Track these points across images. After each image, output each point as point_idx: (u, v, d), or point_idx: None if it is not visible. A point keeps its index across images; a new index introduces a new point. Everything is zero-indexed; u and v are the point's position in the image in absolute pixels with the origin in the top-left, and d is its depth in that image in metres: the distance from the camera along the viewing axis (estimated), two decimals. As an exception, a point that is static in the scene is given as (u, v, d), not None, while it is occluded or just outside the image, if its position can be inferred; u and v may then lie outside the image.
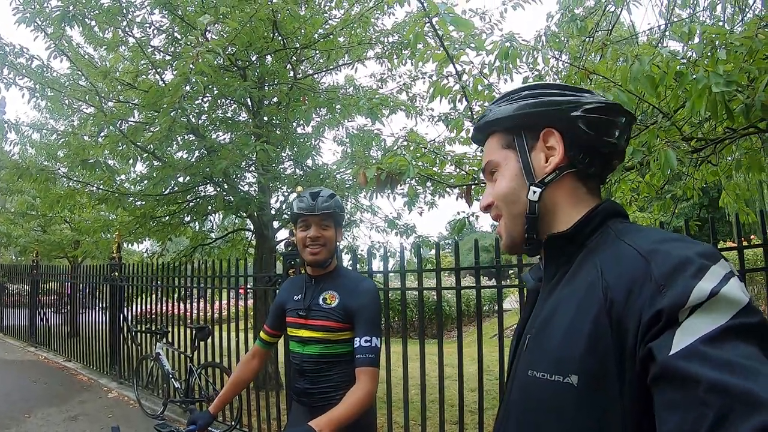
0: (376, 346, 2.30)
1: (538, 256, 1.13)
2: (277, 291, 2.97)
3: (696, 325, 0.71)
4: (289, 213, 2.65)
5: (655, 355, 0.72)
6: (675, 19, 4.49)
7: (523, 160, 1.05)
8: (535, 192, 1.02)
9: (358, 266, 4.88)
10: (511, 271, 4.08)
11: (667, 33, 4.19)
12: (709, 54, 2.23)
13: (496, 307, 4.18)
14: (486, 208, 1.13)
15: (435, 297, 4.37)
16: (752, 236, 11.06)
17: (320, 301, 2.46)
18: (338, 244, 2.61)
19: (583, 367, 0.83)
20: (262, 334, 2.72)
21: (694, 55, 2.32)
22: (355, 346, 2.30)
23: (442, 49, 2.78)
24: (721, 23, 4.55)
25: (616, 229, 0.95)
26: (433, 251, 5.94)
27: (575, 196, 1.04)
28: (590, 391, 0.82)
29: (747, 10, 4.44)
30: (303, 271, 2.71)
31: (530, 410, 0.94)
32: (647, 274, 0.78)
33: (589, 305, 0.85)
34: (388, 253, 4.81)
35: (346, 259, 7.93)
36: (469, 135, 3.45)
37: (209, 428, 2.56)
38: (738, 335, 0.69)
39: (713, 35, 2.28)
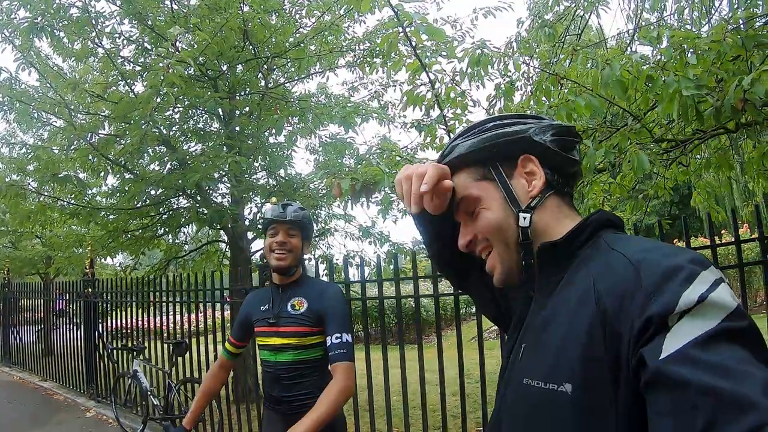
0: (348, 342, 2.38)
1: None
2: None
3: (685, 330, 0.71)
4: (262, 223, 2.76)
5: (646, 360, 0.72)
6: (643, 23, 4.55)
7: (505, 189, 1.05)
8: (525, 218, 1.02)
9: (334, 276, 4.85)
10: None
11: (635, 37, 4.25)
12: (677, 57, 2.26)
13: (474, 309, 4.19)
14: (468, 245, 1.11)
15: (413, 303, 4.34)
16: (723, 230, 11.27)
17: (289, 308, 2.54)
18: (305, 256, 2.72)
19: (577, 375, 0.83)
20: (227, 345, 2.80)
21: (662, 59, 2.35)
22: (328, 344, 2.38)
23: (414, 57, 2.78)
24: (688, 26, 4.63)
25: (608, 239, 0.96)
26: (408, 258, 5.91)
27: (561, 214, 1.05)
28: (584, 399, 0.82)
29: (714, 12, 4.52)
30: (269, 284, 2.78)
31: (524, 417, 0.95)
32: (638, 283, 0.79)
33: (582, 315, 0.86)
34: (364, 262, 4.79)
35: (321, 269, 7.90)
36: (443, 141, 3.47)
37: None
38: (728, 339, 0.70)
39: (682, 39, 2.32)
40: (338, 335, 2.37)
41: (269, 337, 2.56)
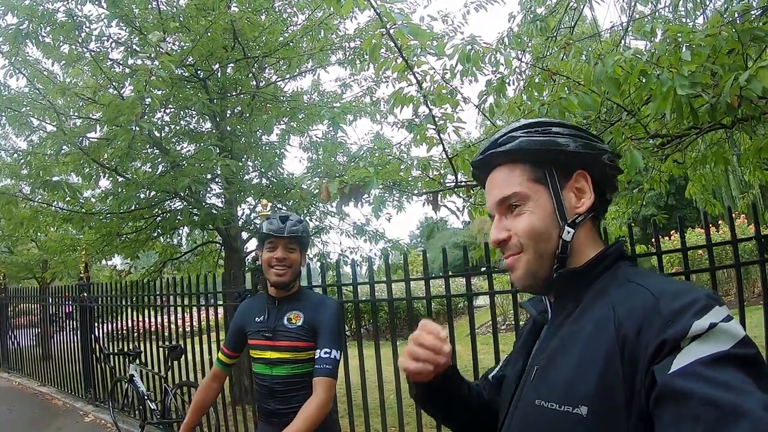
0: (335, 359, 2.40)
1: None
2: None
3: (695, 350, 0.75)
4: (258, 230, 2.74)
5: (656, 377, 0.76)
6: (637, 16, 4.49)
7: (556, 198, 1.05)
8: (569, 232, 1.03)
9: (328, 274, 4.81)
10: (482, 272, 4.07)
11: (629, 30, 4.19)
12: (672, 51, 2.21)
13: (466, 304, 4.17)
14: (501, 243, 1.10)
15: (406, 303, 4.33)
16: (720, 221, 11.23)
17: (285, 322, 2.54)
18: (301, 268, 2.69)
19: (593, 398, 0.85)
20: (221, 356, 2.78)
21: (656, 52, 2.29)
22: (316, 357, 2.40)
23: (401, 58, 2.73)
24: (683, 19, 4.57)
25: (626, 271, 1.00)
26: (401, 253, 5.86)
27: (591, 238, 1.08)
28: (599, 422, 0.84)
29: (708, 2, 4.47)
30: (262, 291, 2.76)
31: None
32: (657, 312, 0.83)
33: (601, 340, 0.88)
34: (361, 260, 4.75)
35: (316, 267, 7.86)
36: (433, 140, 3.41)
37: None
38: (734, 363, 0.74)
39: (677, 33, 2.26)
40: (327, 350, 2.39)
41: (264, 351, 2.54)
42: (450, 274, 4.01)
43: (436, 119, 3.04)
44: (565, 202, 1.05)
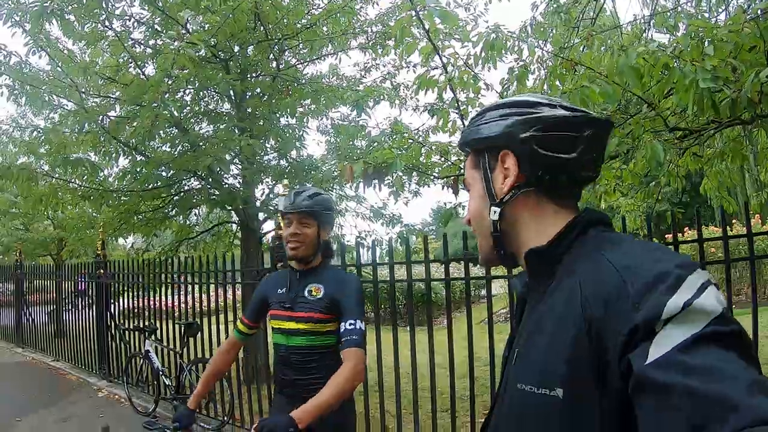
0: (361, 329, 2.36)
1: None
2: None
3: (671, 335, 0.72)
4: (274, 205, 2.72)
5: (632, 366, 0.73)
6: (659, 9, 4.50)
7: (485, 180, 1.09)
8: (495, 212, 1.06)
9: (346, 256, 4.85)
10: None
11: (651, 23, 4.20)
12: (695, 46, 2.24)
13: (483, 292, 4.21)
14: (468, 223, 1.18)
15: (423, 286, 4.35)
16: (734, 219, 11.17)
17: (306, 294, 2.54)
18: (324, 241, 2.64)
19: (567, 380, 0.84)
20: (240, 325, 2.77)
21: (679, 46, 2.32)
22: (341, 330, 2.37)
23: (427, 41, 2.77)
24: (705, 14, 4.57)
25: (596, 240, 0.96)
26: (418, 238, 5.80)
27: (540, 211, 1.05)
28: (575, 404, 0.83)
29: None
30: (281, 269, 2.75)
31: (519, 422, 0.97)
32: (624, 291, 0.79)
33: (569, 320, 0.86)
34: (376, 242, 4.79)
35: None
36: (455, 125, 3.47)
37: (203, 425, 2.62)
38: (713, 342, 0.70)
39: (699, 28, 2.29)
40: (352, 321, 2.36)
41: (283, 321, 2.55)
42: (469, 257, 4.04)
43: (459, 103, 3.09)
44: (494, 183, 1.07)
